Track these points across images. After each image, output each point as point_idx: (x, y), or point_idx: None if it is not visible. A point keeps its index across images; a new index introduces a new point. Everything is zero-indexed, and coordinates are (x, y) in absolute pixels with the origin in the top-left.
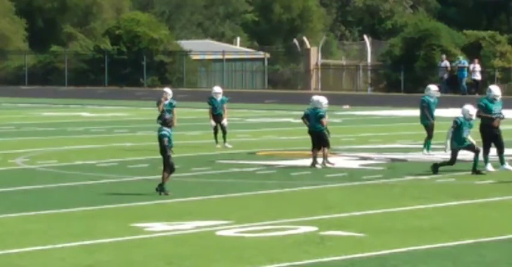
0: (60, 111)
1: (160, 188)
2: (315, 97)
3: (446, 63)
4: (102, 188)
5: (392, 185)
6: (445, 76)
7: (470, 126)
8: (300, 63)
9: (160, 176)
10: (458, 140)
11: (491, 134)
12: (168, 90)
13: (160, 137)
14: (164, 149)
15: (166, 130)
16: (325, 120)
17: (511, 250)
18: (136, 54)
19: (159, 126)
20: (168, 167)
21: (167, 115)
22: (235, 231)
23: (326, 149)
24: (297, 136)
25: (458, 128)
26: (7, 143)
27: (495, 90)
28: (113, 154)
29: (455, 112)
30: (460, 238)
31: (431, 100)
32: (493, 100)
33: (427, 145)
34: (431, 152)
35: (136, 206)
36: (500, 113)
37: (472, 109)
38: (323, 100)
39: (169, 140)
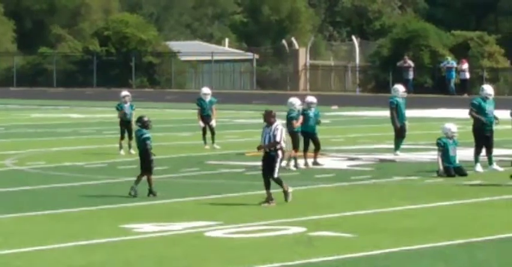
0: (49, 112)
1: (152, 192)
2: (290, 99)
3: (409, 63)
4: (91, 189)
5: (382, 185)
6: (410, 76)
7: (455, 143)
8: (288, 63)
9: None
10: (447, 161)
11: (483, 135)
12: (128, 93)
13: (144, 140)
14: (147, 153)
15: (148, 133)
16: (295, 122)
17: (501, 250)
18: (125, 55)
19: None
20: (149, 170)
21: (146, 118)
22: (225, 232)
23: (293, 152)
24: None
25: (444, 149)
26: None
27: (488, 88)
28: (102, 155)
29: (444, 113)
30: (451, 238)
31: (400, 100)
32: (485, 98)
33: (397, 145)
34: (398, 152)
35: (125, 207)
36: (495, 116)
37: (453, 127)
38: (296, 102)
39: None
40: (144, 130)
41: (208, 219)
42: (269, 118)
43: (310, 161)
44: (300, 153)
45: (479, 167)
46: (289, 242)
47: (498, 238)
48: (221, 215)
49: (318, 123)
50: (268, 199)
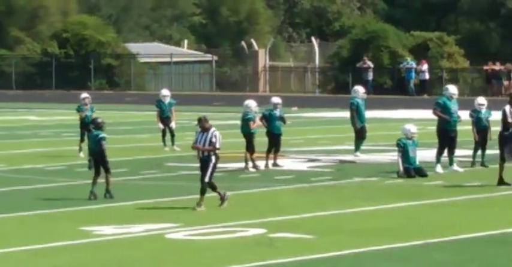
0: (8, 114)
1: (109, 193)
2: (246, 101)
3: (369, 63)
4: (51, 192)
5: (342, 186)
6: (370, 77)
7: (415, 144)
8: (248, 65)
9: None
10: (407, 162)
11: (448, 136)
12: (88, 95)
13: (100, 141)
14: (103, 153)
15: (103, 133)
16: (252, 123)
17: (459, 251)
18: (84, 58)
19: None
20: (108, 170)
21: (100, 119)
22: (185, 234)
23: (249, 154)
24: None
25: (403, 150)
26: None
27: (452, 88)
28: (61, 157)
29: (403, 113)
30: (409, 239)
31: (360, 102)
32: (450, 98)
33: (357, 146)
34: (358, 153)
35: (85, 209)
36: (458, 116)
37: (413, 128)
38: (252, 104)
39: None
40: (99, 131)
41: (169, 221)
42: (204, 124)
43: (270, 162)
44: (259, 154)
45: (439, 168)
46: (249, 244)
47: (456, 239)
48: (181, 217)
49: (284, 122)
50: (222, 198)
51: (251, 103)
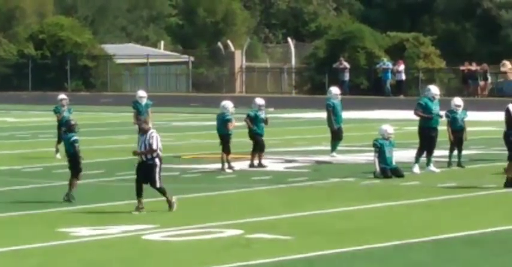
0: None
1: (68, 196)
2: (222, 102)
3: (345, 64)
4: (28, 193)
5: (318, 187)
6: (346, 78)
7: (392, 145)
8: (224, 66)
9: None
10: (384, 162)
11: (429, 135)
12: (65, 96)
13: (73, 143)
14: (77, 156)
15: (75, 136)
16: (230, 124)
17: (436, 251)
18: (60, 59)
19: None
20: (78, 174)
21: (73, 121)
22: (162, 236)
23: (225, 155)
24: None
25: (380, 150)
26: None
27: (434, 89)
28: (38, 159)
29: (380, 114)
30: (387, 240)
31: (337, 102)
32: (432, 99)
33: (333, 146)
34: (334, 154)
35: (61, 211)
36: (439, 114)
37: (389, 128)
38: (228, 105)
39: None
40: (72, 134)
41: (145, 222)
42: (143, 125)
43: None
44: (238, 155)
45: (416, 168)
46: (226, 245)
47: (433, 239)
48: (158, 219)
49: (266, 123)
50: (139, 206)
51: (228, 104)
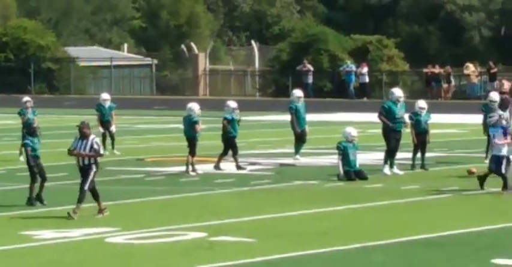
0: None
1: (38, 199)
2: (189, 104)
3: (309, 67)
4: None
5: (282, 190)
6: (309, 80)
7: (355, 147)
8: (188, 68)
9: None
10: (348, 165)
11: (393, 137)
12: (30, 98)
13: (24, 147)
14: (27, 160)
15: (29, 140)
16: (197, 126)
17: (398, 253)
18: (24, 61)
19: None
20: (35, 177)
21: (35, 124)
22: (125, 238)
23: (190, 157)
24: (185, 142)
25: (344, 153)
26: None
27: (397, 91)
28: (1, 162)
29: (344, 117)
30: (349, 242)
31: (300, 105)
32: (396, 102)
33: (297, 149)
34: (298, 156)
35: (24, 214)
36: (404, 121)
37: (353, 131)
38: (195, 107)
39: (34, 149)
40: (31, 137)
41: (109, 225)
42: (85, 130)
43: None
44: (199, 158)
45: (387, 169)
46: (189, 247)
47: (395, 242)
48: (121, 221)
49: (238, 123)
50: (101, 210)
51: (195, 106)
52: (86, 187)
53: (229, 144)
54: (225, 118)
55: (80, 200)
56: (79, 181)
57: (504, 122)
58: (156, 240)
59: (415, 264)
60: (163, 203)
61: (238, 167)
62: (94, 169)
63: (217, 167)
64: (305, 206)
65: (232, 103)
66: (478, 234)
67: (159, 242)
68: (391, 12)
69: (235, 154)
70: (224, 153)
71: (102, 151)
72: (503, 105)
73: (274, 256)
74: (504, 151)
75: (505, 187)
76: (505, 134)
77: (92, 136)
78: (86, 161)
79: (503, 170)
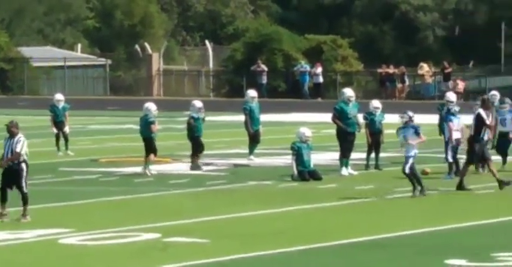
0: None
1: None
2: (145, 104)
3: (263, 67)
4: None
5: (236, 190)
6: (264, 80)
7: (310, 148)
8: (141, 69)
9: None
10: (302, 165)
11: (346, 139)
12: None
13: None
14: None
15: None
16: (153, 126)
17: (339, 255)
18: None
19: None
20: None
21: None
22: (78, 239)
23: (152, 156)
24: (139, 143)
25: (298, 153)
26: None
27: (348, 91)
28: None
29: (298, 117)
30: (300, 243)
31: (254, 105)
32: (347, 102)
33: (251, 149)
34: (252, 157)
35: None
36: (357, 123)
37: (307, 131)
38: (152, 107)
39: None
40: None
41: (62, 226)
42: (13, 129)
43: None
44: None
45: (344, 171)
46: (143, 248)
47: (339, 243)
48: (75, 222)
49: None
50: (2, 213)
51: (151, 106)
52: (25, 190)
53: (196, 143)
54: (192, 117)
55: (25, 202)
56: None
57: (411, 122)
58: (110, 242)
59: (359, 266)
60: (117, 204)
61: (193, 167)
62: (24, 168)
63: (194, 167)
64: (259, 207)
65: (197, 103)
66: (424, 235)
67: (113, 243)
68: (345, 12)
69: (200, 152)
70: (201, 150)
71: (18, 149)
72: (484, 105)
73: (227, 257)
74: (412, 152)
75: (414, 189)
76: (417, 133)
77: (18, 136)
78: (16, 161)
79: (406, 170)
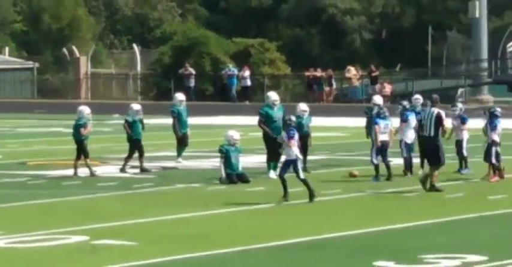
0: None
1: None
2: (79, 107)
3: (191, 70)
4: None
5: (164, 193)
6: (191, 84)
7: (238, 151)
8: (69, 72)
9: None
10: (230, 168)
11: (273, 143)
12: None
13: None
14: None
15: None
16: (83, 130)
17: (276, 257)
18: None
19: None
20: None
21: None
22: (6, 242)
23: (88, 160)
24: (67, 146)
25: (226, 156)
26: None
27: (272, 95)
28: None
29: (226, 120)
30: (229, 245)
31: (182, 109)
32: (272, 105)
33: (179, 152)
34: (180, 159)
35: None
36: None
37: (235, 134)
38: (84, 110)
39: None
40: None
41: None
42: None
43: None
44: (82, 162)
45: (272, 174)
46: (72, 251)
47: (276, 245)
48: (3, 225)
49: (143, 127)
50: None
51: (84, 109)
52: None
53: (135, 146)
54: (126, 121)
55: None
56: None
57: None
58: (39, 244)
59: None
60: (46, 207)
61: (143, 170)
62: None
63: (123, 170)
64: (187, 209)
65: (135, 106)
66: (353, 237)
67: (42, 245)
68: (272, 16)
69: (140, 156)
70: (141, 154)
71: None
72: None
73: (156, 260)
74: (293, 155)
75: (284, 195)
76: (291, 137)
77: None
78: None
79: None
